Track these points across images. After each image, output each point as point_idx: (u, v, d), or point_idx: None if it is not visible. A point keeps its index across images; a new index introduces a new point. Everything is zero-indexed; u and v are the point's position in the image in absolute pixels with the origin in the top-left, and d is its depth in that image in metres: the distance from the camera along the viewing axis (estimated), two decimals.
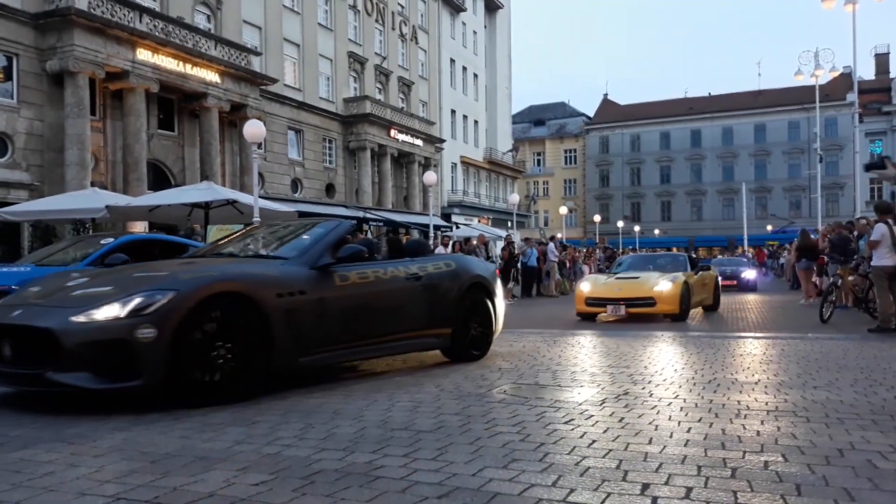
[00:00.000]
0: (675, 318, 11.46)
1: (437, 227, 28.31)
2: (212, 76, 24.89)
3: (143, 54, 22.17)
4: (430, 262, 6.28)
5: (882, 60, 63.39)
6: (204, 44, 24.66)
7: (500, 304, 6.92)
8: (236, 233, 7.09)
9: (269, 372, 4.68)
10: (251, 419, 3.94)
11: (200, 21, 26.67)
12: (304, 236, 5.72)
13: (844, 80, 47.50)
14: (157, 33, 22.56)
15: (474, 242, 20.41)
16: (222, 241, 6.50)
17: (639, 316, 11.61)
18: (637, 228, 55.94)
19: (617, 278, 12.62)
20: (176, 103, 25.11)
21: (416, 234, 29.23)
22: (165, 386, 4.15)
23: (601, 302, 11.80)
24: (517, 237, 33.21)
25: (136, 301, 4.14)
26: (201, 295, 4.28)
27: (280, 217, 14.37)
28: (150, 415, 4.02)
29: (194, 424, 3.80)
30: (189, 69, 23.98)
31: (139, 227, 19.19)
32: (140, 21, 22.01)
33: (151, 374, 4.08)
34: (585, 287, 12.45)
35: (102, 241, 8.92)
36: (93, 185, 19.61)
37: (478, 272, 6.69)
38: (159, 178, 24.22)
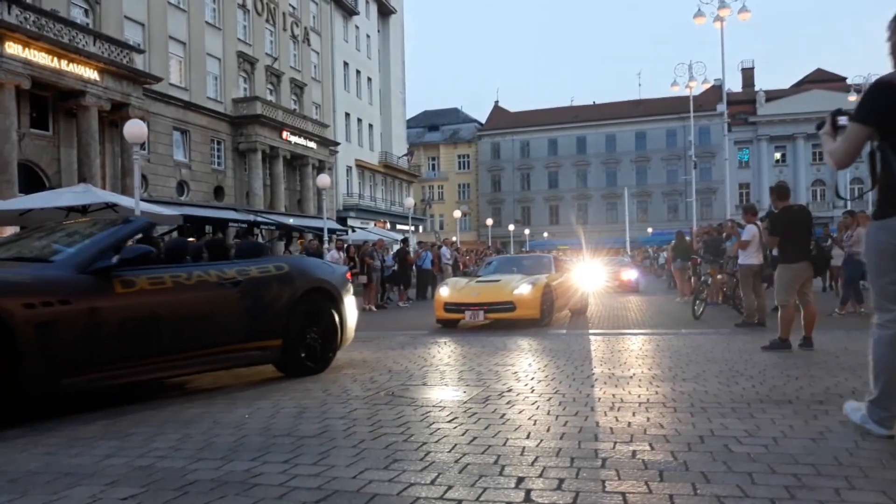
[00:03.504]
0: (537, 324, 10.62)
1: (332, 231, 28.02)
2: (90, 73, 23.57)
3: (13, 48, 20.69)
4: (256, 265, 5.55)
5: (748, 74, 68.33)
6: (81, 39, 23.31)
7: (350, 310, 6.30)
8: (21, 233, 6.05)
9: (21, 396, 3.99)
10: (125, 431, 3.78)
11: (77, 15, 25.23)
12: (85, 237, 4.89)
13: (715, 92, 50.46)
14: (28, 26, 21.13)
15: (369, 246, 20.33)
16: None
17: (501, 322, 10.74)
18: (527, 232, 57.39)
19: (478, 282, 11.75)
20: (51, 101, 23.61)
21: (309, 238, 28.77)
22: None
23: (460, 307, 10.94)
24: (413, 241, 33.38)
25: None
26: None
27: (165, 221, 13.82)
28: (12, 430, 3.78)
29: (62, 439, 3.61)
30: (65, 65, 22.60)
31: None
32: (9, 13, 20.53)
33: None
34: (444, 292, 11.50)
35: None
36: None
37: (318, 276, 6.04)
38: (32, 181, 22.67)
